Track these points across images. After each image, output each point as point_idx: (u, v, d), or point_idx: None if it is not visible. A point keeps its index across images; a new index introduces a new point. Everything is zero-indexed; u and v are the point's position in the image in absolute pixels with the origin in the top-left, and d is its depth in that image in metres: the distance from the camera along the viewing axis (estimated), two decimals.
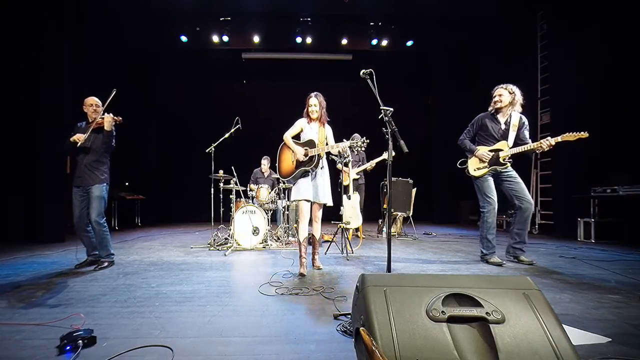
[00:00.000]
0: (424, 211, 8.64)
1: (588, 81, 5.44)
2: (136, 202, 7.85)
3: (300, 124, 3.13)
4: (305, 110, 3.08)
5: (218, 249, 4.27)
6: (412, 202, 5.64)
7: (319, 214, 3.06)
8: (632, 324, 1.71)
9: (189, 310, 1.97)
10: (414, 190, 5.68)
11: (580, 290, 2.37)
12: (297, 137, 3.13)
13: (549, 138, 3.09)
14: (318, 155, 2.93)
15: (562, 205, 5.86)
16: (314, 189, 2.96)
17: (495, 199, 3.34)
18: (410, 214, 5.60)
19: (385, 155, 5.06)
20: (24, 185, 5.17)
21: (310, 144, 2.98)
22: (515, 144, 3.29)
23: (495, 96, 3.36)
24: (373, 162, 5.28)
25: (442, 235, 6.02)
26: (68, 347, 1.41)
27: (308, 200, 2.94)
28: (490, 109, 3.41)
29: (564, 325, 1.06)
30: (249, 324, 1.74)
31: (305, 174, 2.98)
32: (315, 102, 3.00)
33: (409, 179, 5.67)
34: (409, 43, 7.88)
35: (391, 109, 2.14)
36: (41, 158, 5.13)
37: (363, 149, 2.78)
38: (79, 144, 3.08)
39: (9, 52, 5.07)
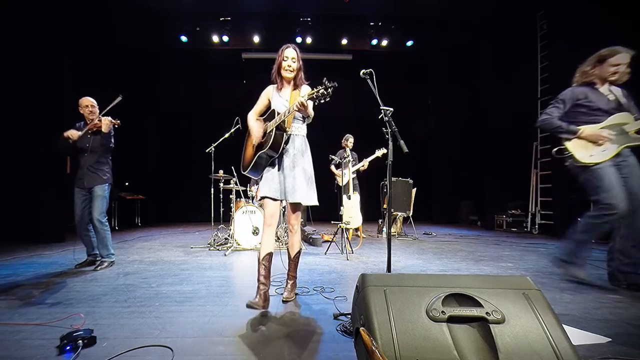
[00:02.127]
0: (424, 211, 8.64)
1: None
2: (136, 202, 7.85)
3: (266, 94, 2.25)
4: (276, 69, 2.17)
5: (218, 249, 4.27)
6: (412, 202, 5.64)
7: (292, 220, 2.15)
8: (632, 324, 1.71)
9: (189, 310, 1.97)
10: (414, 190, 5.68)
11: (580, 290, 2.37)
12: (267, 115, 2.23)
13: None
14: (277, 129, 2.01)
15: (562, 205, 5.86)
16: (281, 181, 2.10)
17: (622, 196, 2.36)
18: (410, 214, 5.60)
19: (378, 153, 5.07)
20: (24, 185, 5.17)
21: (272, 115, 2.12)
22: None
23: (613, 65, 2.49)
24: (366, 162, 5.27)
25: (442, 235, 6.02)
26: (68, 347, 1.41)
27: (273, 199, 2.11)
28: (590, 79, 2.61)
29: (564, 325, 1.06)
30: (249, 324, 1.74)
31: (272, 162, 2.15)
32: (294, 55, 2.12)
33: (409, 179, 5.67)
34: (409, 43, 7.88)
35: (391, 109, 2.13)
36: (41, 158, 5.13)
37: (328, 97, 1.85)
38: (71, 141, 3.07)
39: (9, 52, 5.07)
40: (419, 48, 8.13)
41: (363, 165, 5.29)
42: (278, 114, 2.05)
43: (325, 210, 7.76)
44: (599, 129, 2.48)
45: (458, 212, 8.73)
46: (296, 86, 2.17)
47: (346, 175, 4.62)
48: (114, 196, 6.81)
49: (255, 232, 4.37)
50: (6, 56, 5.06)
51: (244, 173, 2.25)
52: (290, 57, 2.12)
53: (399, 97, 6.71)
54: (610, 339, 1.52)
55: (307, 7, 6.96)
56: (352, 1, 6.43)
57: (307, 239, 4.97)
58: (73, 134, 3.08)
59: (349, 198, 4.56)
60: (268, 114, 2.17)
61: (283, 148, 2.06)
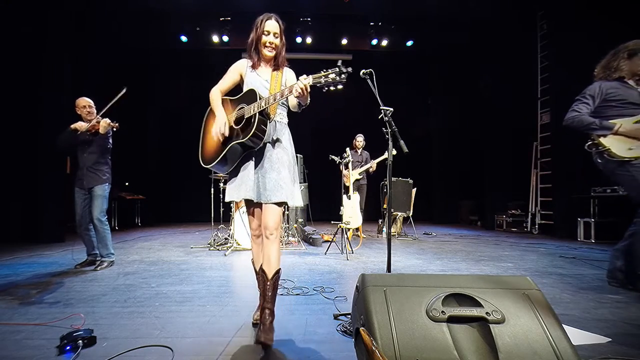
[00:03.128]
0: (424, 211, 8.64)
1: (588, 81, 5.43)
2: (136, 202, 7.85)
3: (237, 69, 1.84)
4: (252, 44, 1.76)
5: (218, 249, 4.27)
6: (412, 202, 5.64)
7: (271, 222, 1.62)
8: (632, 324, 1.71)
9: (189, 310, 1.97)
10: (414, 190, 5.68)
11: (580, 290, 2.37)
12: (235, 94, 1.80)
13: None
14: (260, 114, 1.57)
15: (562, 205, 5.86)
16: (256, 179, 1.68)
17: None
18: (410, 214, 5.60)
19: (386, 155, 5.06)
20: (24, 185, 5.17)
21: (250, 96, 1.66)
22: None
23: None
24: (374, 163, 5.27)
25: (442, 235, 6.02)
26: (68, 347, 1.41)
27: (250, 201, 1.73)
28: (619, 74, 2.57)
29: (564, 325, 1.06)
30: (249, 324, 1.74)
31: (247, 155, 1.71)
32: (276, 29, 1.72)
33: (409, 179, 5.67)
34: (409, 43, 7.88)
35: (391, 109, 2.13)
36: (41, 158, 5.12)
37: (340, 84, 1.45)
38: (79, 132, 3.02)
39: (9, 52, 5.07)
40: (419, 48, 8.12)
41: (371, 167, 5.31)
42: (261, 97, 1.60)
43: (325, 210, 7.78)
44: (633, 122, 2.35)
45: (458, 212, 8.74)
46: (277, 67, 1.77)
47: (352, 176, 4.64)
48: (114, 196, 6.81)
49: None
50: (6, 56, 5.05)
51: (206, 166, 1.81)
52: (272, 32, 1.71)
53: (399, 97, 6.71)
54: (610, 339, 1.52)
55: (307, 7, 6.96)
56: (352, 1, 6.43)
57: (307, 239, 4.97)
58: (81, 125, 3.04)
59: (349, 198, 4.56)
60: (243, 94, 1.72)
61: (268, 138, 1.66)
